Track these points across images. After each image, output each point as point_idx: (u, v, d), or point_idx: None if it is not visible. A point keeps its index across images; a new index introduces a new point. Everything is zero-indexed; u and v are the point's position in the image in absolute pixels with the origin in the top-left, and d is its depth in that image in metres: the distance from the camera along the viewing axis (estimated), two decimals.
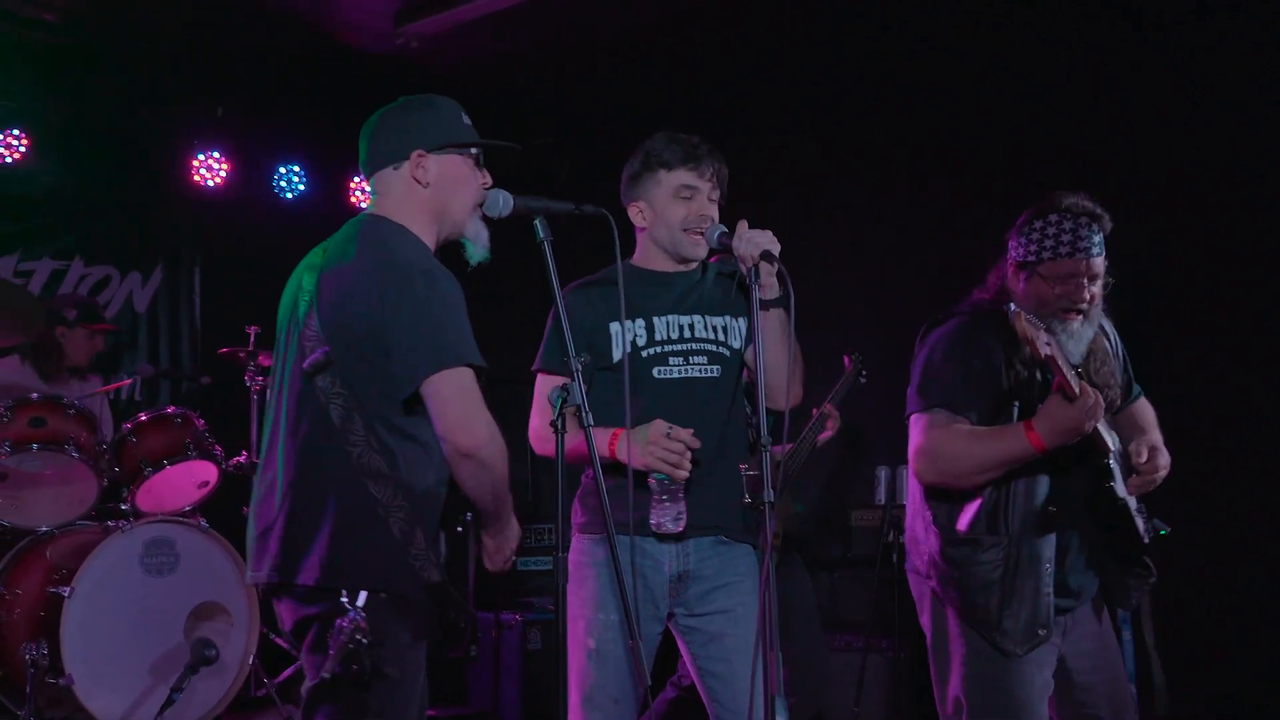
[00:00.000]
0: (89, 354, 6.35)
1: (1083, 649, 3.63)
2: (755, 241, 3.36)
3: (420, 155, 3.10)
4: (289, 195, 8.11)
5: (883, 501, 6.36)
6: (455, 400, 2.88)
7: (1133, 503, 3.60)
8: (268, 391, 3.20)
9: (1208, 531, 5.22)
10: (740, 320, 3.65)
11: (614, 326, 3.55)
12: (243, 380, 6.50)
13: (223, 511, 6.15)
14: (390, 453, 2.91)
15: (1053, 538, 3.52)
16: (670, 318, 3.61)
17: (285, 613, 3.03)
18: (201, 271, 8.03)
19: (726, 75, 7.07)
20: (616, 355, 3.54)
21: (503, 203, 3.15)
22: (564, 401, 3.01)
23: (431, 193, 3.11)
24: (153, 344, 7.84)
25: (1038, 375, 3.52)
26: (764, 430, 3.12)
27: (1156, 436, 3.75)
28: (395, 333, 2.88)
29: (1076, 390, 3.31)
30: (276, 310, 3.20)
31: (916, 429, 3.62)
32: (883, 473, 6.54)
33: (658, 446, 3.34)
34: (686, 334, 3.60)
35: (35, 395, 5.67)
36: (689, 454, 3.37)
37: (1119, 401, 3.77)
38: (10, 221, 7.26)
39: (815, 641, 5.51)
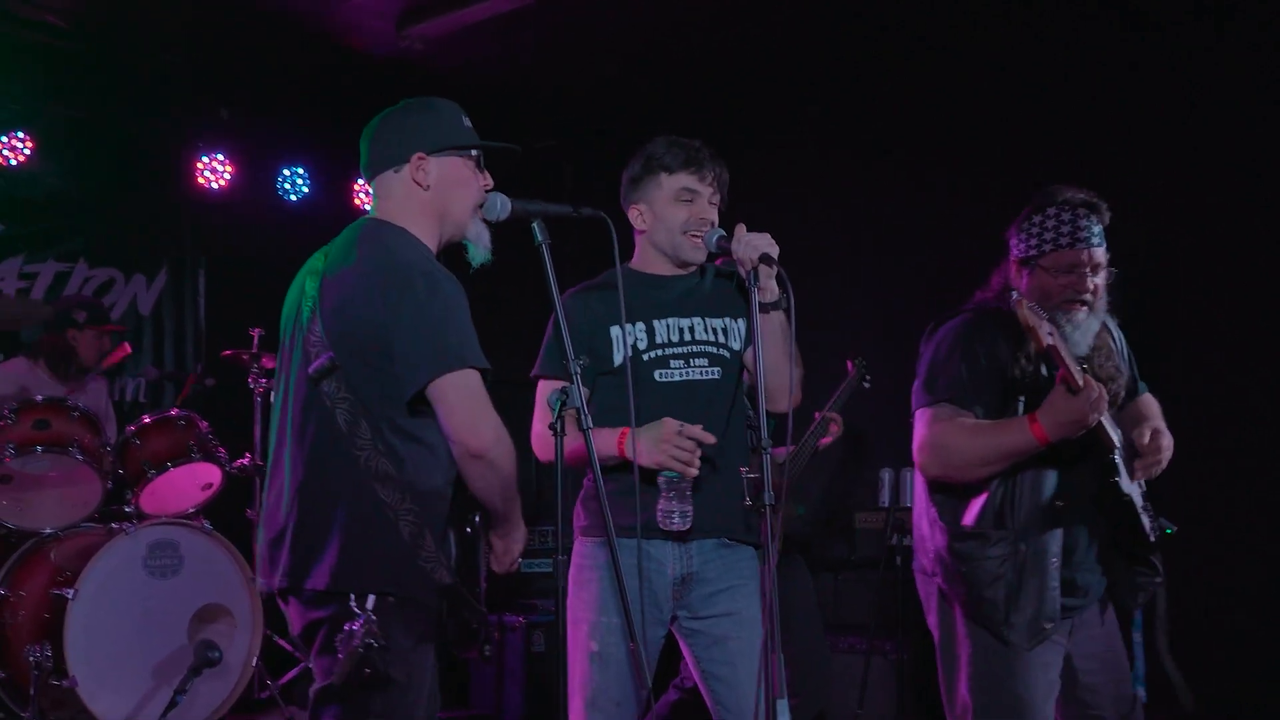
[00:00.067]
0: (97, 354, 6.37)
1: (1089, 650, 3.63)
2: (754, 244, 3.36)
3: (420, 158, 3.10)
4: (293, 197, 8.12)
5: (886, 504, 6.36)
6: (462, 402, 2.89)
7: (1138, 500, 3.61)
8: (272, 395, 3.21)
9: (1207, 531, 5.22)
10: (739, 321, 3.65)
11: (614, 330, 3.55)
12: (246, 382, 6.52)
13: (226, 514, 6.18)
14: (397, 455, 2.91)
15: (1059, 532, 3.52)
16: (670, 320, 3.61)
17: (294, 616, 3.04)
18: (206, 274, 8.05)
19: (729, 77, 7.07)
20: (618, 359, 3.54)
21: (500, 206, 3.15)
22: (563, 404, 3.02)
23: (432, 195, 3.12)
24: (157, 346, 7.85)
25: (1043, 370, 3.53)
26: (764, 433, 3.13)
27: (1159, 422, 3.76)
28: (397, 335, 2.89)
29: (1080, 382, 3.32)
30: (280, 312, 3.21)
31: (921, 423, 3.63)
32: (886, 475, 6.55)
33: (670, 444, 3.34)
34: (687, 336, 3.60)
35: (40, 398, 5.70)
36: (699, 451, 3.38)
37: (1123, 396, 3.77)
38: (15, 224, 7.27)
39: (817, 643, 5.51)
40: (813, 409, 5.48)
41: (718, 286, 3.71)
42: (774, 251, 3.36)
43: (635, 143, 3.72)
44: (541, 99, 7.65)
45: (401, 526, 2.89)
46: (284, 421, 3.08)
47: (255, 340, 6.47)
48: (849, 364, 5.76)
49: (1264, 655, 5.34)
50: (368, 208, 3.25)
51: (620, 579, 3.05)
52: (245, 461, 6.15)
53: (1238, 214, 5.56)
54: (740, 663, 3.49)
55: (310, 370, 2.97)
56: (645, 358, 3.56)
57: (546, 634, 6.40)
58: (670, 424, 3.37)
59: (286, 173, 8.09)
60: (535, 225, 3.13)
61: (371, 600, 2.83)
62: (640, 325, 3.58)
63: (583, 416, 3.03)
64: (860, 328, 6.71)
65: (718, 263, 3.73)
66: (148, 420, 5.87)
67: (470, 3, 6.44)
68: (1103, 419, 3.43)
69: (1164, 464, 3.66)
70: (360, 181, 8.05)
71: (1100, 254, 3.57)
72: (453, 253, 3.22)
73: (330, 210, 7.87)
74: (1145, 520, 3.61)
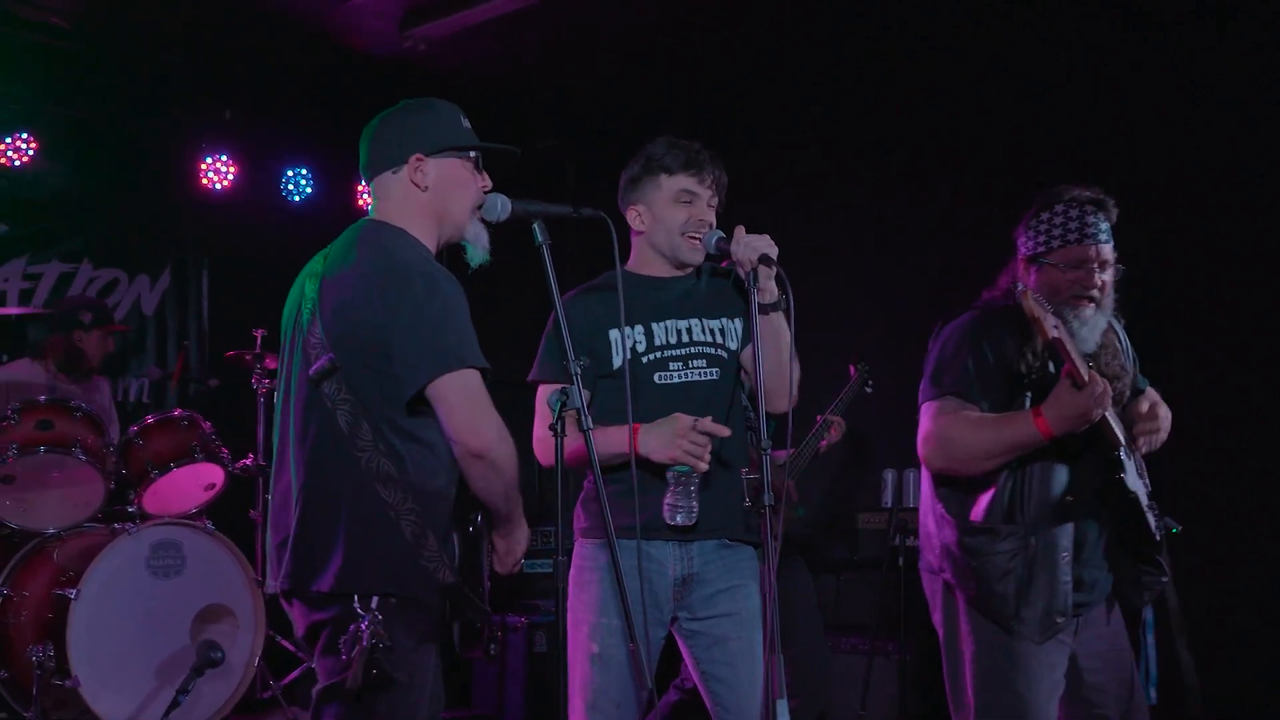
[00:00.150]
0: (101, 354, 6.40)
1: (1094, 649, 3.63)
2: (753, 246, 3.36)
3: (419, 159, 3.10)
4: (297, 198, 8.14)
5: (889, 504, 6.36)
6: (462, 402, 2.89)
7: (1144, 498, 3.61)
8: (274, 396, 3.21)
9: (1209, 531, 5.21)
10: (736, 321, 3.65)
11: (613, 334, 3.55)
12: (250, 383, 6.53)
13: (229, 514, 6.19)
14: (398, 456, 2.92)
15: (1069, 527, 3.53)
16: (669, 322, 3.61)
17: (298, 617, 3.05)
18: (209, 274, 8.06)
19: (731, 77, 7.07)
20: (617, 362, 3.54)
21: (500, 207, 3.15)
22: (563, 405, 3.02)
23: (430, 196, 3.12)
24: (160, 347, 7.87)
25: (1050, 367, 3.53)
26: (764, 434, 3.14)
27: (1157, 398, 3.77)
28: (396, 336, 2.89)
29: (1085, 377, 3.32)
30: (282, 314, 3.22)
31: (926, 416, 3.63)
32: (889, 475, 6.56)
33: (685, 439, 3.34)
34: (685, 338, 3.60)
35: (43, 398, 5.71)
36: (710, 446, 3.38)
37: (1127, 395, 3.77)
38: (19, 224, 7.30)
39: (817, 644, 5.51)
40: (814, 411, 5.49)
41: (714, 287, 3.72)
42: (773, 252, 3.36)
43: (638, 143, 3.72)
44: (544, 99, 7.65)
45: (403, 527, 2.90)
46: (286, 424, 3.08)
47: (258, 341, 6.47)
48: (851, 368, 5.77)
49: (1266, 655, 5.34)
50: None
51: (621, 580, 3.05)
52: (248, 462, 6.16)
53: (1240, 214, 5.56)
54: (740, 663, 3.49)
55: (311, 372, 2.98)
56: (644, 360, 3.56)
57: (548, 634, 6.40)
58: (683, 419, 3.36)
59: (290, 173, 8.11)
60: (536, 226, 3.12)
61: (374, 601, 2.83)
62: (639, 328, 3.58)
63: (583, 417, 3.03)
64: (862, 328, 6.72)
65: (723, 264, 3.73)
66: (151, 420, 5.89)
67: (473, 3, 6.45)
68: (1108, 415, 3.44)
69: (1163, 434, 3.68)
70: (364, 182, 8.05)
71: (1108, 251, 3.58)
72: (452, 253, 3.22)
73: (334, 211, 7.85)
74: (1150, 519, 3.61)
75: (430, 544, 2.91)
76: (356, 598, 2.84)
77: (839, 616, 6.23)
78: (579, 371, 3.05)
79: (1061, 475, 3.55)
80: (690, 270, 3.69)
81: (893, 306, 6.66)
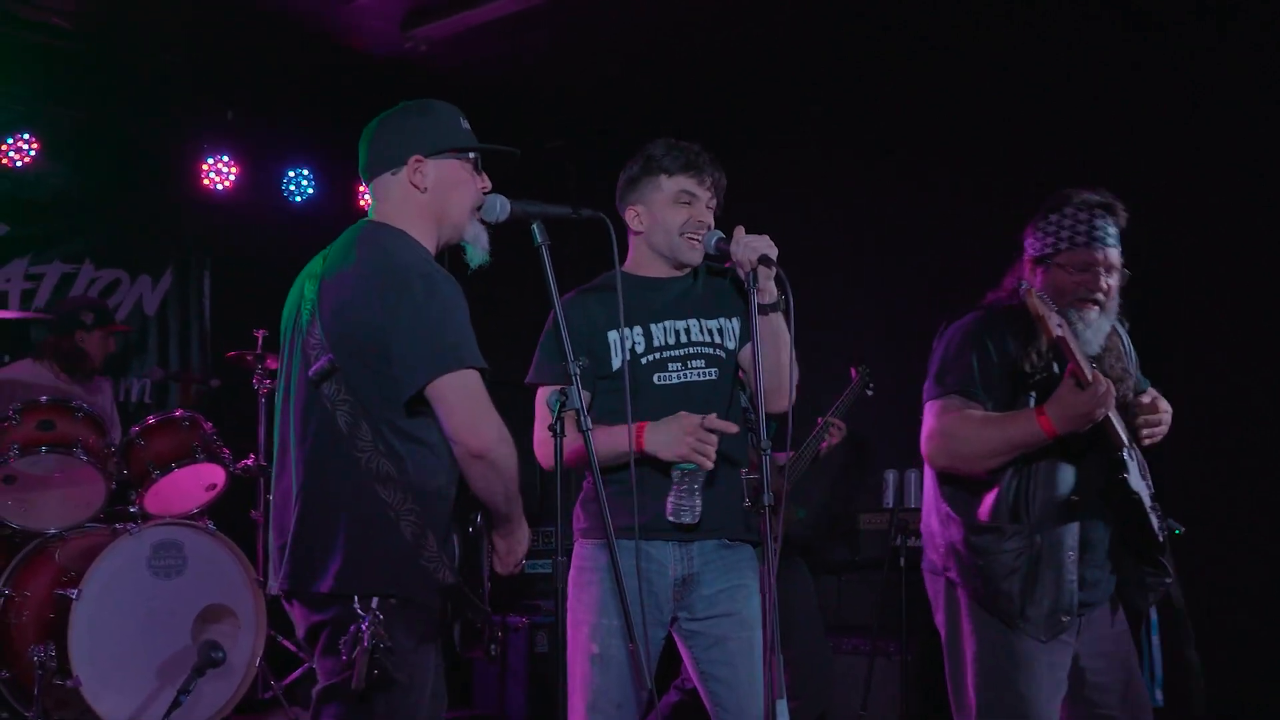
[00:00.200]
0: (103, 355, 6.41)
1: (1098, 649, 3.63)
2: (753, 246, 3.37)
3: (418, 160, 3.11)
4: (298, 199, 8.13)
5: (890, 505, 6.36)
6: (461, 403, 2.90)
7: (1147, 499, 3.61)
8: (275, 396, 3.22)
9: (1210, 531, 5.20)
10: (734, 320, 3.66)
11: (612, 335, 3.55)
12: (251, 383, 6.53)
13: (230, 514, 6.19)
14: (398, 456, 2.92)
15: (1075, 526, 3.54)
16: (667, 323, 3.61)
17: (298, 618, 3.05)
18: (211, 275, 8.06)
19: (732, 77, 7.07)
20: (616, 363, 3.54)
21: (500, 208, 3.15)
22: (562, 406, 3.02)
23: (429, 197, 3.12)
24: (162, 347, 7.87)
25: (1054, 368, 3.54)
26: (763, 435, 3.14)
27: (1156, 393, 3.78)
28: (395, 337, 2.90)
29: (1089, 376, 3.33)
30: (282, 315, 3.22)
31: (930, 414, 3.64)
32: (891, 476, 6.56)
33: (693, 437, 3.34)
34: (683, 339, 3.60)
35: (44, 398, 5.71)
36: (717, 444, 3.38)
37: (1130, 398, 3.78)
38: (20, 225, 7.29)
39: (818, 645, 5.51)
40: (815, 412, 5.49)
41: (711, 286, 3.72)
42: (773, 253, 3.36)
43: (639, 143, 3.72)
44: (546, 99, 7.65)
45: (403, 527, 2.90)
46: (286, 424, 3.09)
47: (260, 341, 6.48)
48: (853, 371, 5.76)
49: (1266, 655, 5.33)
50: None
51: (620, 581, 3.05)
52: (249, 462, 6.16)
53: (1240, 214, 5.56)
54: (740, 663, 3.49)
55: (310, 373, 2.98)
56: (643, 361, 3.56)
57: (550, 635, 6.40)
58: (691, 416, 3.36)
59: (292, 174, 8.10)
60: (535, 227, 3.13)
61: (374, 602, 2.83)
62: (638, 329, 3.58)
63: (582, 418, 3.03)
64: (863, 329, 6.72)
65: (725, 265, 3.73)
66: (152, 421, 5.89)
67: (474, 4, 6.45)
68: (1110, 416, 3.44)
69: (1165, 424, 3.68)
70: None
71: (1115, 255, 3.59)
72: (452, 254, 3.22)
73: (335, 211, 7.85)
74: (1154, 520, 3.61)
75: (430, 544, 2.91)
76: (356, 598, 2.85)
77: (840, 617, 6.23)
78: (578, 372, 3.05)
79: (1066, 475, 3.56)
80: (688, 271, 3.70)
81: (893, 307, 6.66)
